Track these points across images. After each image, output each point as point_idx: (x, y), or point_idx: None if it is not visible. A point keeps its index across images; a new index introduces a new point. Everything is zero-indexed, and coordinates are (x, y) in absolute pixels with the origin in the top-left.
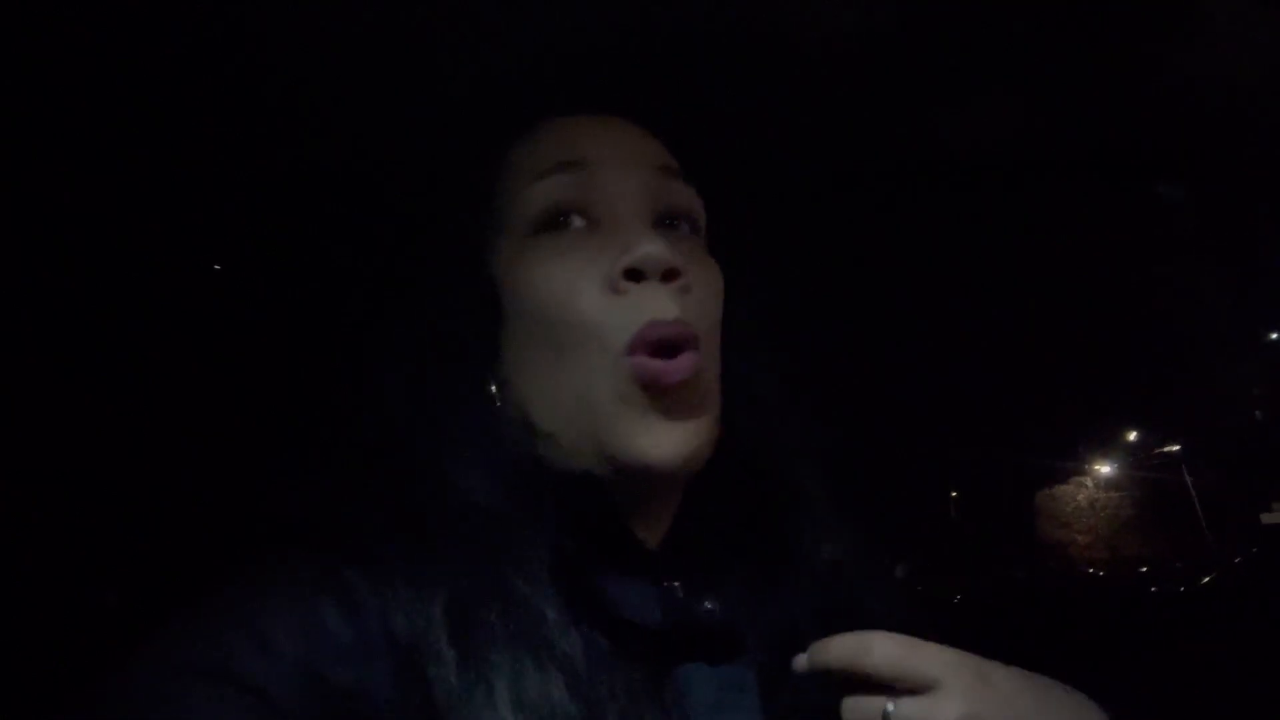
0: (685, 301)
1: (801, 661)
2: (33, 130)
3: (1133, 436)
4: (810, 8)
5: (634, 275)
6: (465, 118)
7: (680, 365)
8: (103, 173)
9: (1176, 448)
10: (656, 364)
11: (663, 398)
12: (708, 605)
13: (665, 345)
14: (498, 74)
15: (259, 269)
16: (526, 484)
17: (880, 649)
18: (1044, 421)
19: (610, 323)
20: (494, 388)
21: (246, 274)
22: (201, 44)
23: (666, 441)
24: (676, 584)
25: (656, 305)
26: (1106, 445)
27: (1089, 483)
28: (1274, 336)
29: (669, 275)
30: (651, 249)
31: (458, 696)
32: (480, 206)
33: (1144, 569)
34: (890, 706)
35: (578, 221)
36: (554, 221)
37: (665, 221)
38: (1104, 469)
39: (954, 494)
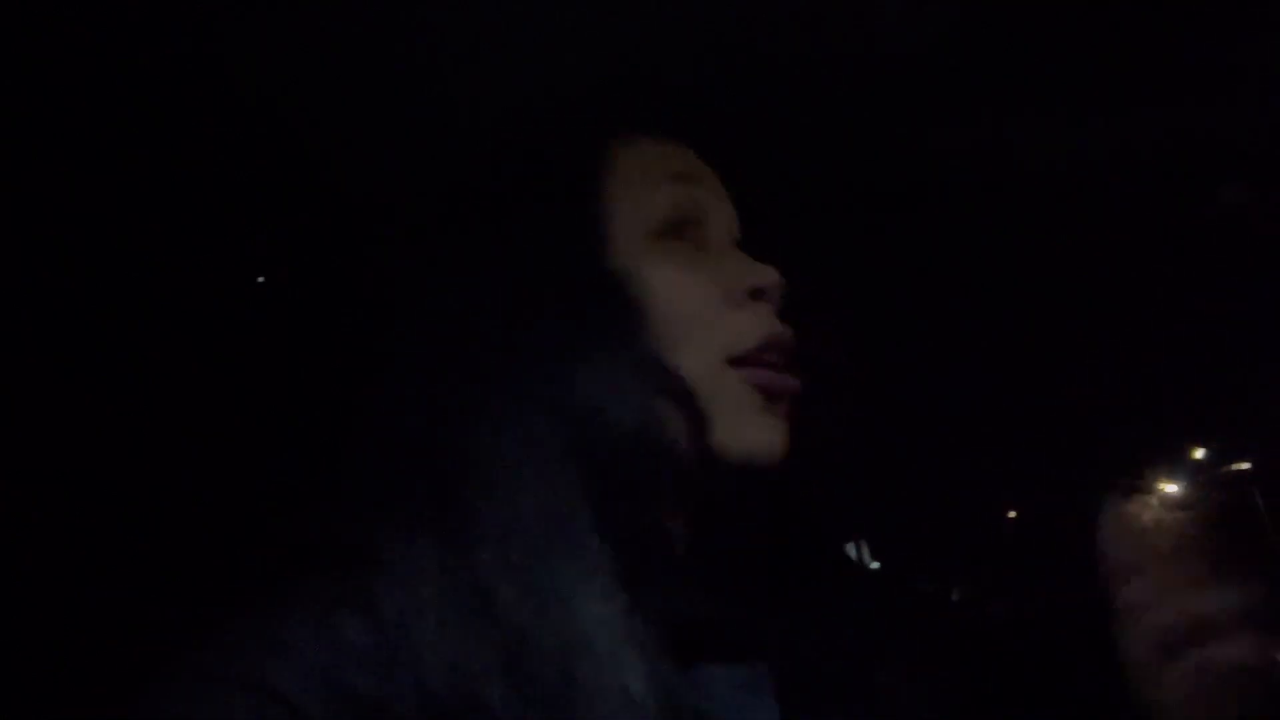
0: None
1: None
2: (45, 134)
3: (1200, 454)
4: (865, 31)
5: (755, 294)
6: (566, 122)
7: (791, 381)
8: (108, 177)
9: (1247, 465)
10: (776, 375)
11: (774, 403)
12: (707, 601)
13: (785, 357)
14: (596, 87)
15: (307, 273)
16: (576, 491)
17: None
18: (1107, 438)
19: (735, 331)
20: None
21: (295, 281)
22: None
23: (774, 440)
24: (697, 589)
25: (775, 322)
26: (1173, 463)
27: (1154, 502)
28: None
29: (781, 301)
30: (775, 275)
31: (503, 705)
32: (596, 205)
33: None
34: None
35: (695, 233)
36: (674, 229)
37: (739, 245)
38: (1170, 487)
39: (1011, 514)
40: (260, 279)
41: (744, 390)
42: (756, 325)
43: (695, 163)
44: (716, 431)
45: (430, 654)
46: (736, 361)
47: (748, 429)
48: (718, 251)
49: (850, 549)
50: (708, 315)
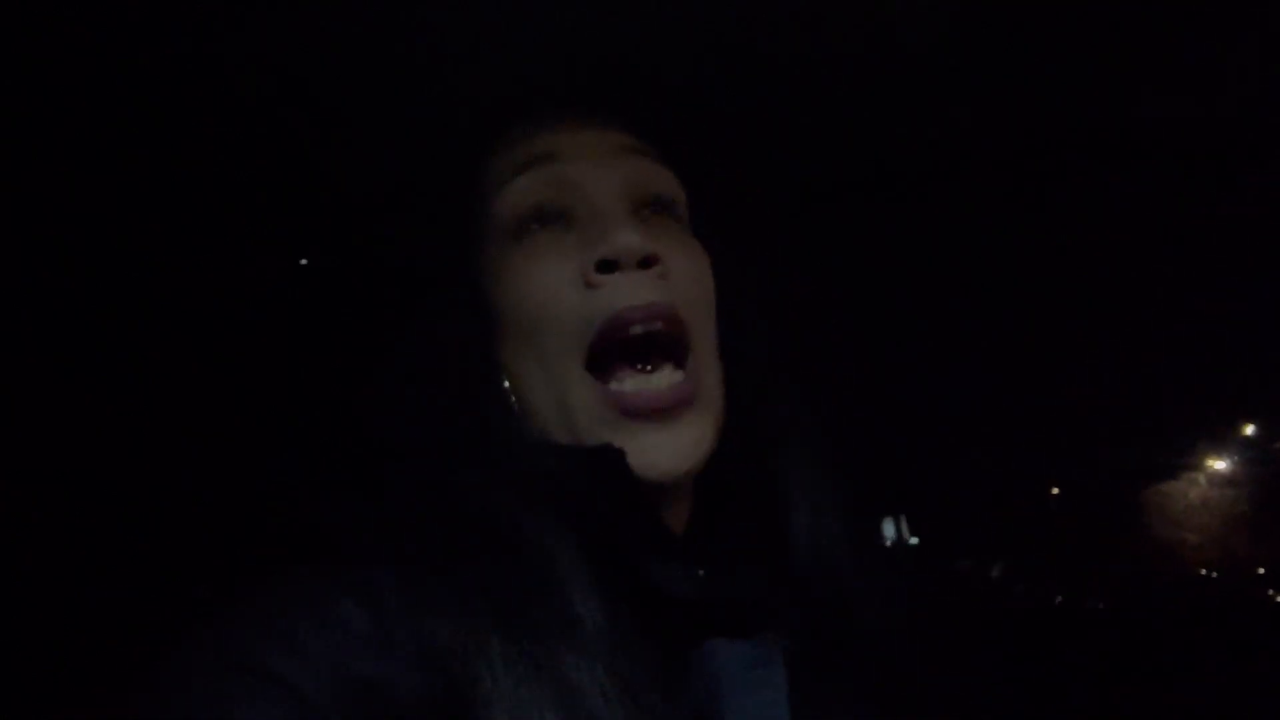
0: (665, 286)
1: None
2: (36, 132)
3: (1249, 430)
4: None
5: (608, 267)
6: (438, 125)
7: (661, 391)
8: (98, 177)
9: None
10: (633, 391)
11: (643, 420)
12: (700, 573)
13: (647, 334)
14: (471, 81)
15: (280, 278)
16: (545, 481)
17: None
18: (1153, 414)
19: (583, 316)
20: (507, 384)
21: (272, 282)
22: (184, 57)
23: (655, 459)
24: (701, 572)
25: (628, 292)
26: (1220, 439)
27: (1201, 479)
28: None
29: (646, 262)
30: (623, 237)
31: (502, 690)
32: (465, 211)
33: (1260, 571)
34: None
35: (556, 220)
36: (533, 222)
37: (644, 208)
38: (1218, 464)
39: (1055, 490)
40: (302, 261)
41: (607, 408)
42: (603, 305)
43: (557, 136)
44: (597, 448)
45: (428, 637)
46: (591, 364)
47: (625, 448)
48: (586, 225)
49: (889, 525)
50: (559, 306)
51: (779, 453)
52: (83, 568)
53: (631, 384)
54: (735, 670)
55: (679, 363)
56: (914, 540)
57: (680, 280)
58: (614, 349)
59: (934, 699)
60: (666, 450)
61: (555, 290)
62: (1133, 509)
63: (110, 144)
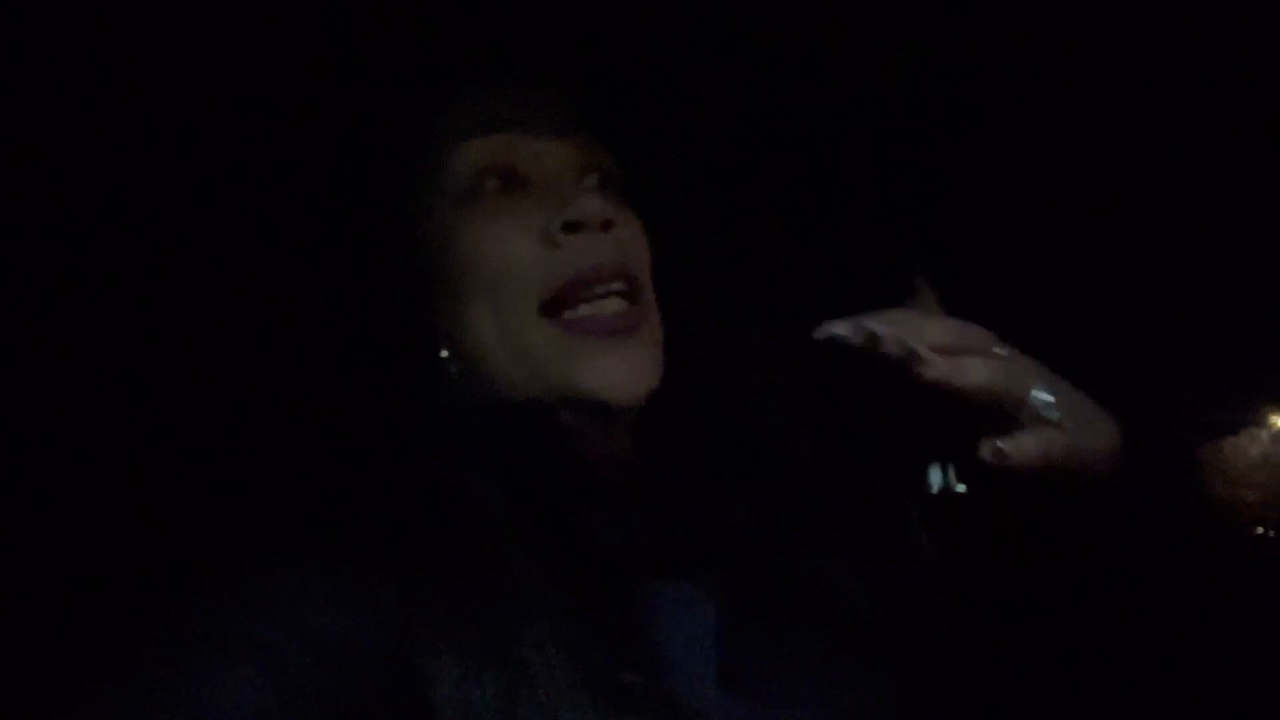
0: (620, 249)
1: (843, 328)
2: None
3: None
4: None
5: (572, 228)
6: (381, 81)
7: (615, 315)
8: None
9: None
10: (589, 315)
11: (601, 339)
12: (634, 515)
13: (606, 287)
14: (413, 37)
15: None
16: (483, 440)
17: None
18: (1212, 368)
19: (545, 271)
20: (445, 353)
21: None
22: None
23: (616, 379)
24: (634, 512)
25: (594, 251)
26: None
27: (1263, 435)
28: None
29: (606, 225)
30: (588, 201)
31: (444, 656)
32: (407, 171)
33: None
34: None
35: (507, 182)
36: (485, 183)
37: (592, 177)
38: (1279, 420)
39: None
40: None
41: (561, 337)
42: (567, 262)
43: (514, 101)
44: (554, 382)
45: (377, 600)
46: (546, 309)
47: (580, 374)
48: (543, 189)
49: (935, 472)
50: (520, 263)
51: (716, 402)
52: (52, 532)
53: (586, 310)
54: (668, 611)
55: (630, 302)
56: (961, 488)
57: (629, 243)
58: (568, 300)
59: (889, 647)
60: (622, 371)
61: (516, 247)
62: (1191, 465)
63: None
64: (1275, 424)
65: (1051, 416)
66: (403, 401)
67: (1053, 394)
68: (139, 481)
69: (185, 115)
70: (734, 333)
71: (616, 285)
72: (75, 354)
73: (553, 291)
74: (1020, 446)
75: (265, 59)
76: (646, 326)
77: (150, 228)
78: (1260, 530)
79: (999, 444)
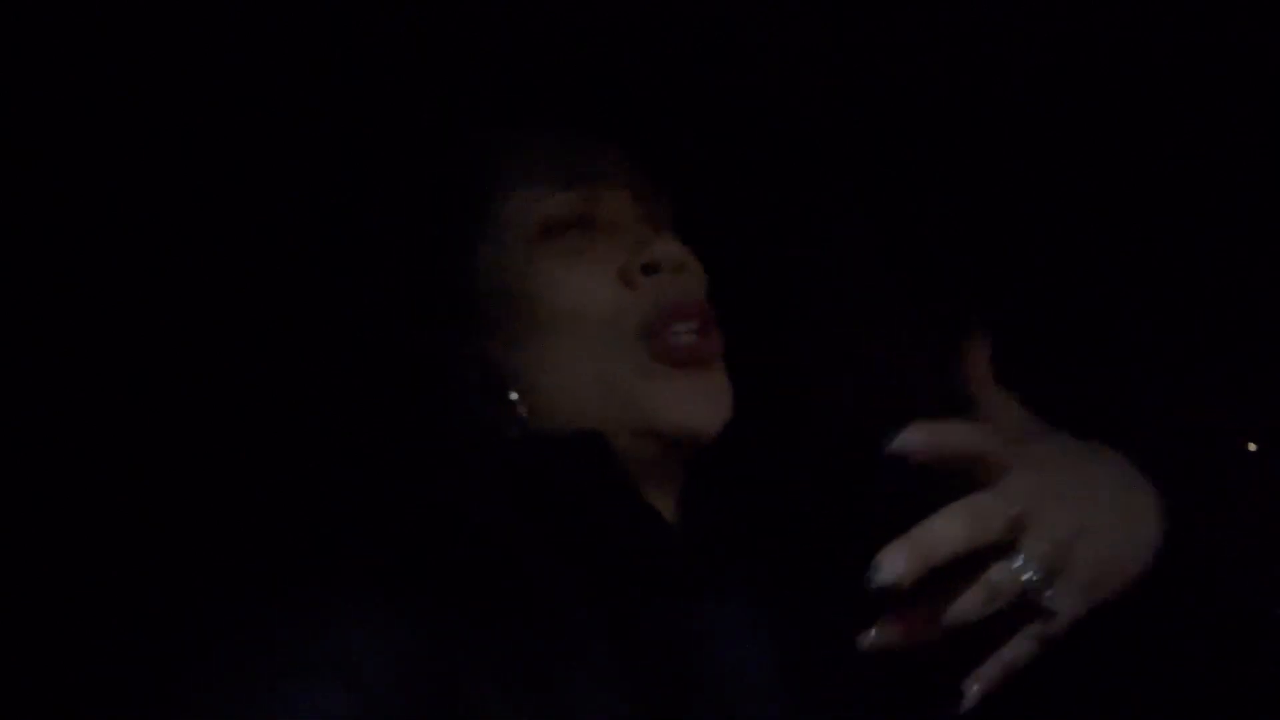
0: (697, 289)
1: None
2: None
3: None
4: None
5: (650, 269)
6: (447, 123)
7: (705, 344)
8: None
9: None
10: (680, 344)
11: (689, 369)
12: (702, 566)
13: (690, 325)
14: (479, 84)
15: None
16: (534, 472)
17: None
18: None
19: (631, 308)
20: (514, 395)
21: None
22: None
23: (701, 408)
24: (686, 540)
25: (677, 291)
26: None
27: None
28: None
29: (680, 268)
30: (668, 245)
31: (492, 700)
32: (473, 212)
33: None
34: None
35: (583, 226)
36: (560, 228)
37: (656, 224)
38: None
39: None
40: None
41: (652, 365)
42: (649, 300)
43: (590, 154)
44: (641, 410)
45: (444, 627)
46: (640, 333)
47: (668, 403)
48: (613, 232)
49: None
50: (604, 298)
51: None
52: (82, 572)
53: (673, 341)
54: (724, 642)
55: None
56: None
57: (701, 285)
58: (658, 332)
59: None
60: (707, 401)
61: (595, 285)
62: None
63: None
64: None
65: (1053, 607)
66: (468, 439)
67: (1056, 560)
68: (226, 500)
69: (271, 142)
70: (783, 371)
71: (696, 323)
72: (148, 377)
73: (641, 324)
74: (1012, 659)
75: (357, 96)
76: (720, 360)
77: (238, 252)
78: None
79: (976, 686)
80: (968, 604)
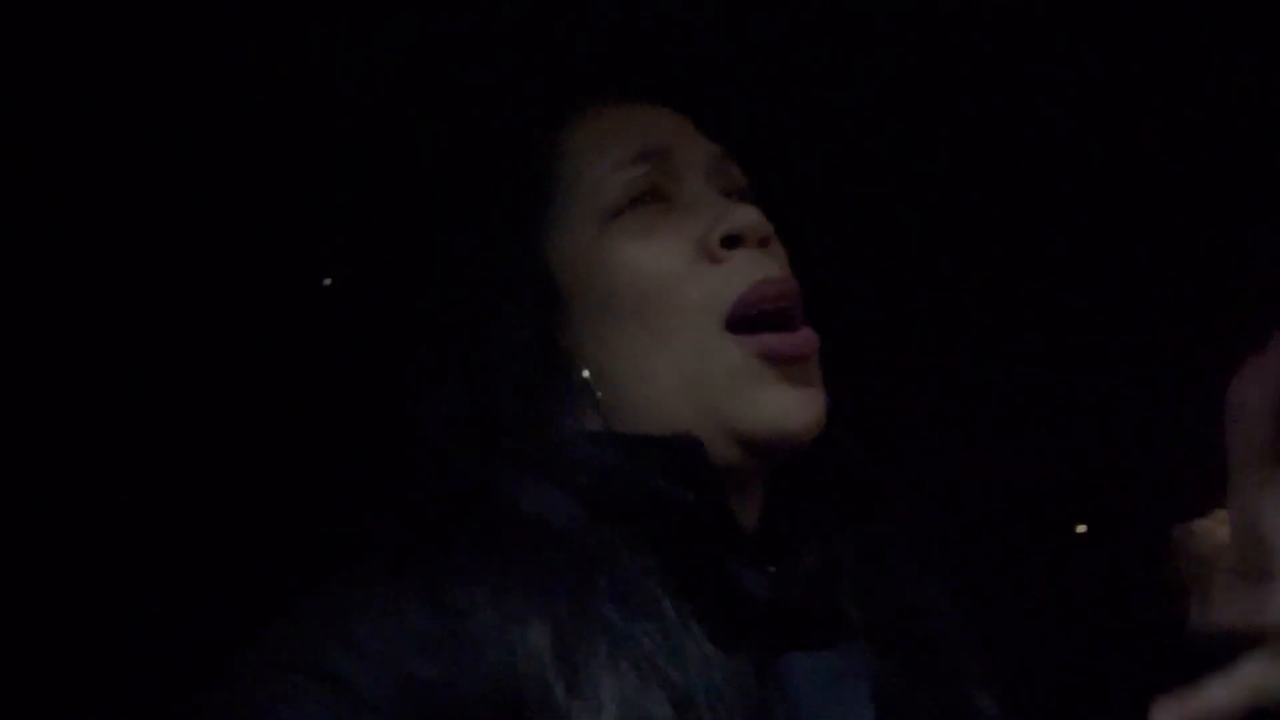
0: (783, 266)
1: None
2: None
3: None
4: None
5: (732, 242)
6: (510, 100)
7: (803, 338)
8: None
9: None
10: (777, 338)
11: (786, 367)
12: (771, 570)
13: (781, 310)
14: (547, 59)
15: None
16: (619, 478)
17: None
18: (1180, 450)
19: (715, 289)
20: (586, 374)
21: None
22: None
23: (797, 409)
24: (772, 569)
25: (763, 266)
26: None
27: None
28: None
29: (765, 241)
30: (748, 215)
31: (560, 709)
32: (540, 192)
33: None
34: None
35: (658, 204)
36: (633, 205)
37: (733, 196)
38: None
39: (1081, 528)
40: (326, 281)
41: (747, 360)
42: (735, 277)
43: (660, 127)
44: (730, 410)
45: (492, 641)
46: (734, 325)
47: (765, 406)
48: (690, 206)
49: None
50: (681, 278)
51: (848, 455)
52: (143, 562)
53: (769, 337)
54: (817, 685)
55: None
56: None
57: (785, 262)
58: (749, 320)
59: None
60: (805, 402)
61: (673, 263)
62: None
63: (148, 159)
64: None
65: None
66: (533, 426)
67: None
68: (247, 520)
69: (334, 131)
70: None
71: (785, 305)
72: (193, 385)
73: (729, 308)
74: None
75: (426, 84)
76: (815, 356)
77: (299, 241)
78: None
79: None
80: None
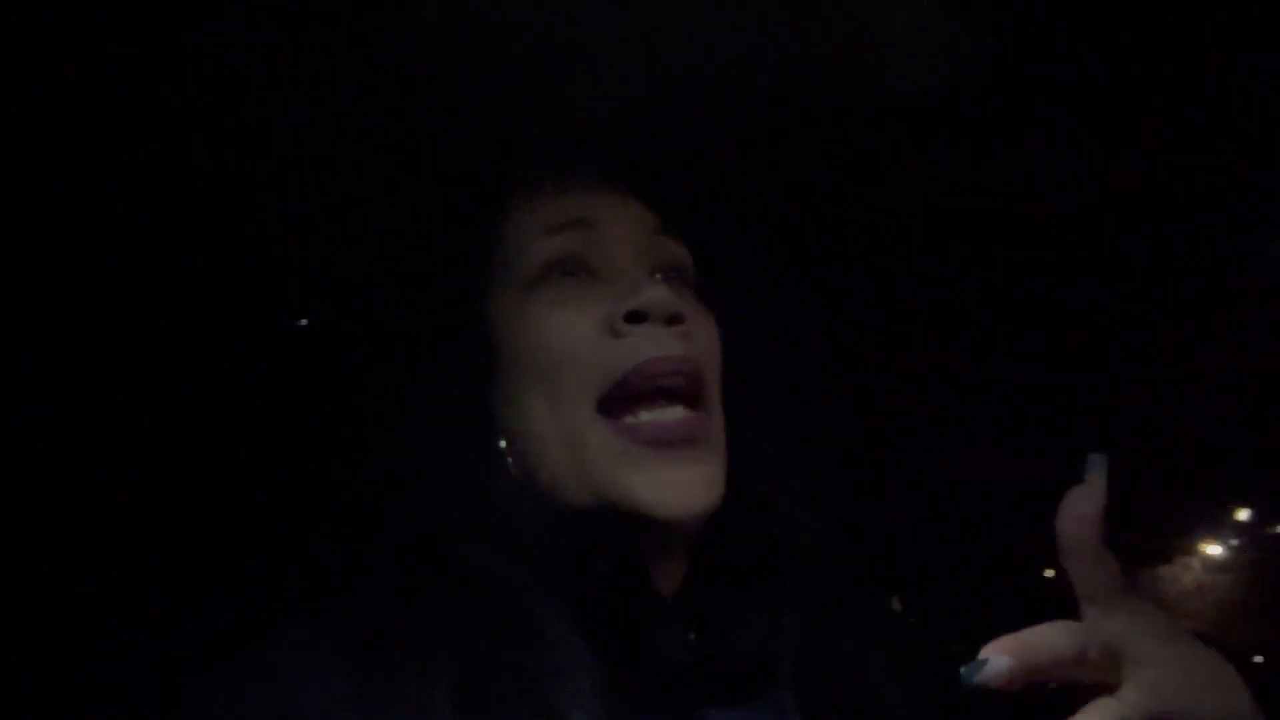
0: (688, 345)
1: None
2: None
3: (1244, 515)
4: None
5: (636, 318)
6: (460, 173)
7: (679, 421)
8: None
9: None
10: (651, 420)
11: (664, 450)
12: (691, 637)
13: (665, 390)
14: (494, 133)
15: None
16: (537, 541)
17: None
18: (1146, 497)
19: (605, 363)
20: (503, 443)
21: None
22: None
23: (672, 492)
24: (692, 636)
25: (659, 344)
26: (1215, 524)
27: (1196, 564)
28: None
29: (673, 320)
30: (655, 292)
31: None
32: (479, 260)
33: (1257, 659)
34: None
35: (578, 273)
36: (554, 273)
37: (665, 273)
38: (1213, 550)
39: (1049, 572)
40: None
41: (616, 442)
42: (628, 352)
43: (591, 198)
44: (606, 490)
45: (410, 700)
46: (605, 407)
47: (634, 486)
48: (609, 279)
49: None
50: (580, 351)
51: (778, 515)
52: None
53: (646, 417)
54: None
55: (690, 407)
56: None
57: (699, 340)
58: (629, 397)
59: None
60: (683, 486)
61: (578, 335)
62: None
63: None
64: (1207, 553)
65: None
66: (456, 490)
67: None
68: (177, 571)
69: (290, 167)
70: (803, 445)
71: (677, 383)
72: (125, 409)
73: (611, 384)
74: None
75: (373, 131)
76: (709, 439)
77: (217, 292)
78: None
79: None
80: None
